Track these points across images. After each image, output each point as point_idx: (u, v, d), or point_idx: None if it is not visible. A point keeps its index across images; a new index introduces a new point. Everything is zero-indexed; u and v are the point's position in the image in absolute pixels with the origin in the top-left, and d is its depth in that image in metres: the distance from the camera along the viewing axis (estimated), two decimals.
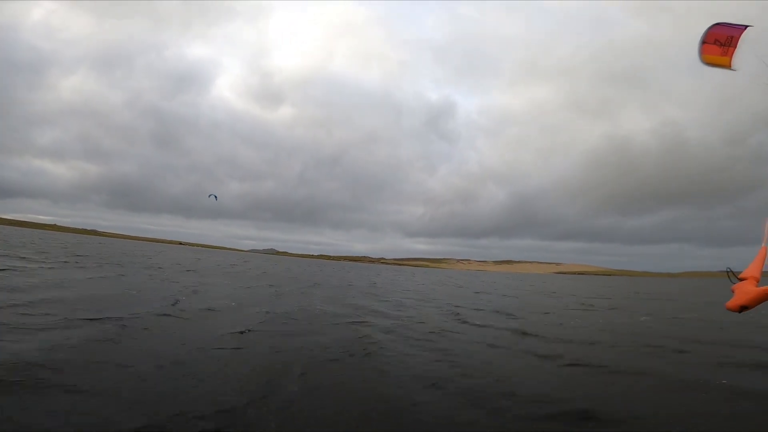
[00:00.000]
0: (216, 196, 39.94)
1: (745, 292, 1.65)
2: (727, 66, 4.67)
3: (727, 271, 1.96)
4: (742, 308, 1.60)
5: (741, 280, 1.83)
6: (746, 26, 4.50)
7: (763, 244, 2.18)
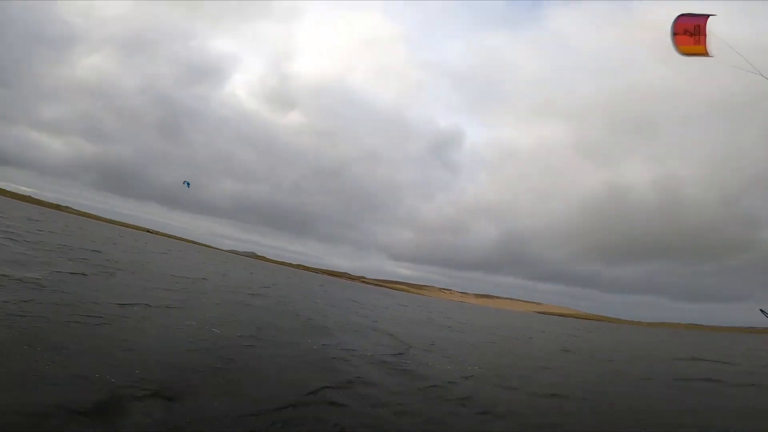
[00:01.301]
0: (189, 183, 37.83)
1: None
2: (704, 53, 4.87)
3: (762, 311, 2.34)
4: None
5: None
6: (709, 15, 4.66)
7: None
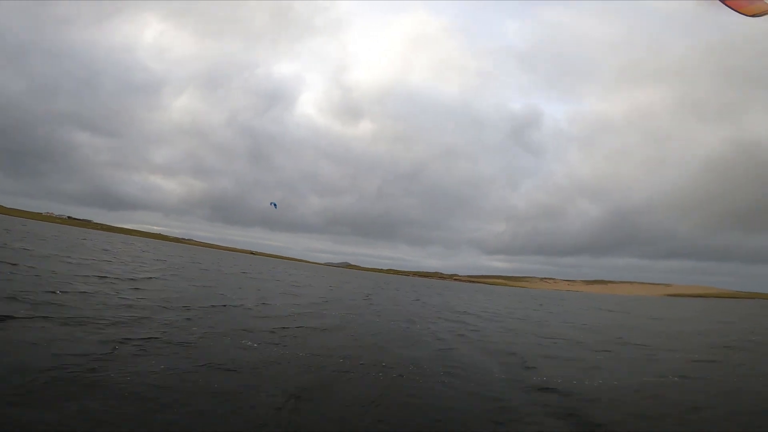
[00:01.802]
0: (275, 204, 39.13)
1: None
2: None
3: None
4: None
5: None
6: None
7: None
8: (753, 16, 4.52)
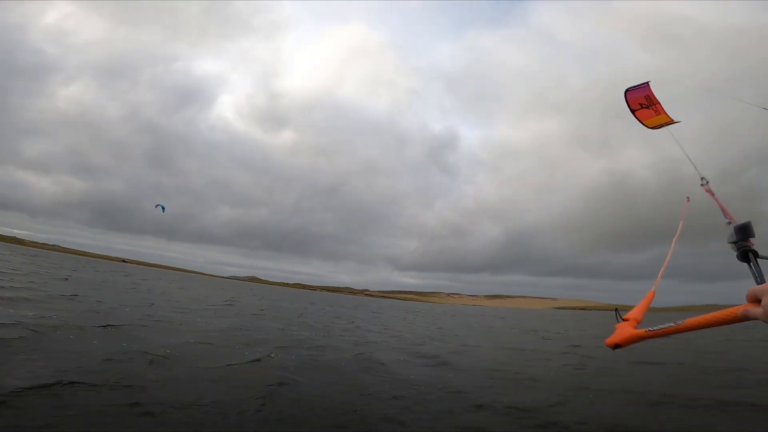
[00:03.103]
0: (163, 207, 34.34)
1: (621, 332, 1.62)
2: (671, 121, 4.69)
3: (615, 311, 1.87)
4: (616, 346, 1.59)
5: (625, 320, 1.74)
6: (647, 82, 4.86)
7: (652, 289, 2.19)
8: (653, 128, 4.72)
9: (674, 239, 2.67)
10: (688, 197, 3.04)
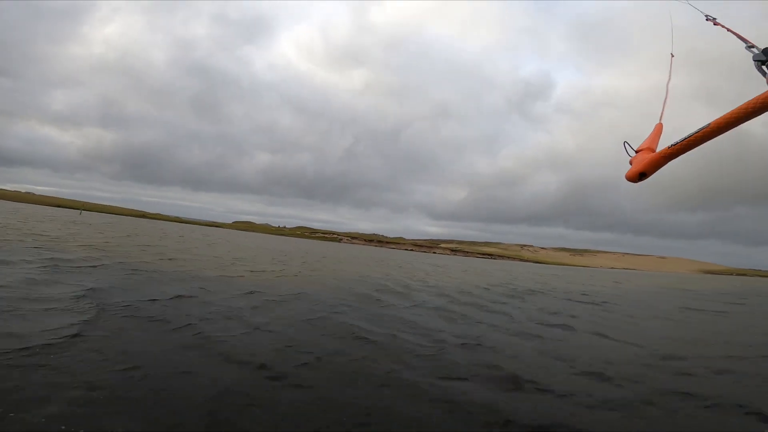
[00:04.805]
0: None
1: (641, 159, 1.62)
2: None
3: (624, 143, 1.91)
4: (641, 175, 1.56)
5: (638, 152, 1.81)
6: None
7: (658, 121, 2.22)
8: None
9: (668, 79, 2.74)
10: (672, 53, 3.10)
